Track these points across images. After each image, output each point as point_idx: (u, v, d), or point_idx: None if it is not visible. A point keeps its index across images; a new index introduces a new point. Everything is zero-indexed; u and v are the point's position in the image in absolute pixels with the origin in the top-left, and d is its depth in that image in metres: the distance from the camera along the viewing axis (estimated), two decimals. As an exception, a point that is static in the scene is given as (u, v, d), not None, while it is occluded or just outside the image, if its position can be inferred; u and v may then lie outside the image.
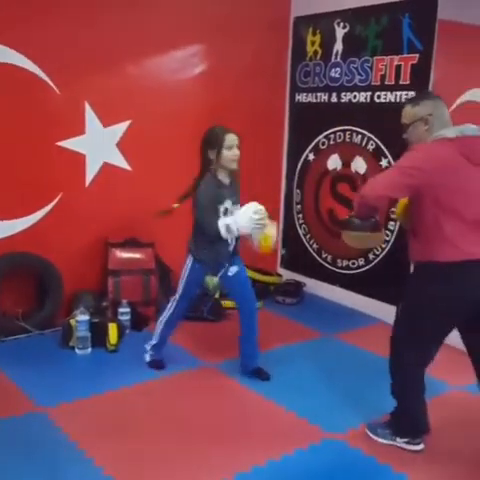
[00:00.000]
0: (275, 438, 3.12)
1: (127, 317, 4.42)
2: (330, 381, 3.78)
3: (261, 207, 3.36)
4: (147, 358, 3.88)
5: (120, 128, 4.72)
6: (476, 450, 3.05)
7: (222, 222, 3.34)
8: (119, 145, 4.74)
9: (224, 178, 3.49)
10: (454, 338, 4.11)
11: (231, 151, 3.38)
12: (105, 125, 4.65)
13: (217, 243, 3.48)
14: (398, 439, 3.03)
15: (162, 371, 3.80)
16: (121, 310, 4.42)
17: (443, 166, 2.68)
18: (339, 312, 5.11)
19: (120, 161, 4.78)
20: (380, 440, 3.07)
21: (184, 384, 3.68)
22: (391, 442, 3.05)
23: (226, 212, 3.46)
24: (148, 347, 3.88)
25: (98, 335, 4.10)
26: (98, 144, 4.65)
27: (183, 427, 3.19)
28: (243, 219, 3.31)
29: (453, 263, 2.71)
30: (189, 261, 3.65)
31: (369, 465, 2.91)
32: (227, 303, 4.89)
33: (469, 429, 3.22)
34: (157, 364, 3.84)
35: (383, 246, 4.84)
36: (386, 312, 4.80)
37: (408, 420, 3.03)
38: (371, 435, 3.11)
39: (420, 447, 3.01)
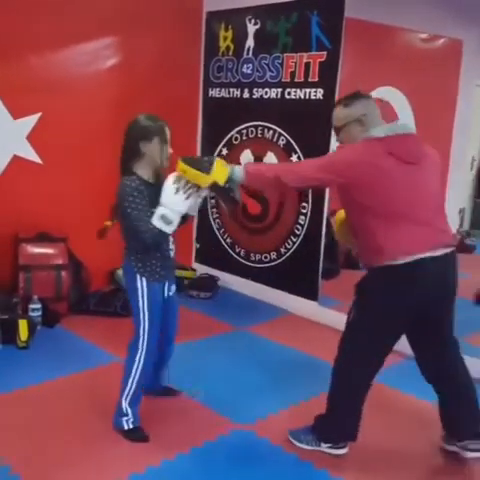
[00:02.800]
0: (185, 431, 3.16)
1: (38, 313, 4.36)
2: (241, 373, 3.85)
3: (176, 174, 2.79)
4: (125, 425, 3.06)
5: (31, 120, 4.62)
6: (391, 445, 3.16)
7: (155, 216, 2.77)
8: (30, 138, 4.65)
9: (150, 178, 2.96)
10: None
11: (168, 148, 2.94)
12: (15, 117, 4.55)
13: (162, 248, 2.95)
14: (322, 444, 2.98)
15: (73, 368, 3.75)
16: (32, 306, 4.35)
17: (371, 169, 2.64)
18: (252, 305, 5.20)
19: (31, 154, 4.68)
20: (304, 446, 3.01)
21: (95, 380, 3.66)
22: (315, 448, 3.00)
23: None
24: (124, 410, 3.05)
25: (8, 332, 4.02)
26: (8, 136, 4.55)
27: (93, 424, 3.18)
28: (169, 196, 2.76)
29: (397, 266, 2.66)
30: (139, 284, 2.92)
31: (276, 454, 2.99)
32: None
33: (384, 418, 3.35)
34: (139, 435, 3.05)
35: (294, 240, 4.95)
36: (297, 304, 4.95)
37: (337, 428, 2.98)
38: (294, 442, 3.04)
39: (344, 451, 2.98)
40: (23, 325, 4.05)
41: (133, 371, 3.01)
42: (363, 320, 2.83)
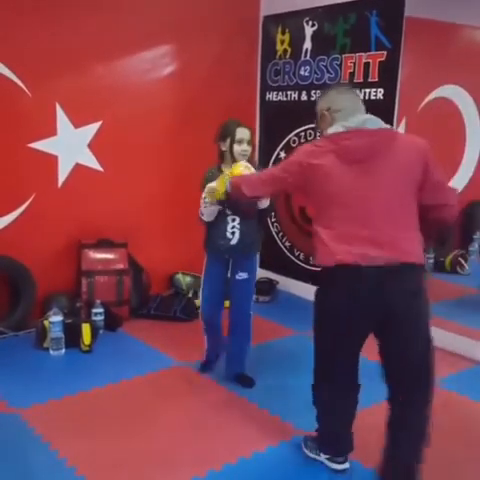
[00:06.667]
0: (247, 435, 3.14)
1: (101, 317, 4.43)
2: (303, 378, 3.78)
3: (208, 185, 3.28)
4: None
5: (91, 129, 4.71)
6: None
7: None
8: (91, 146, 4.74)
9: None
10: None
11: (240, 146, 3.33)
12: (76, 126, 4.64)
13: (214, 229, 3.45)
14: (321, 454, 2.91)
15: (135, 371, 3.81)
16: (95, 310, 4.43)
17: (302, 169, 2.56)
18: (312, 309, 5.13)
19: (92, 162, 4.77)
20: (308, 453, 2.96)
21: (157, 384, 3.70)
22: (316, 456, 2.93)
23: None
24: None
25: (72, 336, 4.11)
26: (70, 145, 4.65)
27: (155, 426, 3.21)
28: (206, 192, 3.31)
29: (332, 267, 2.53)
30: (206, 256, 3.59)
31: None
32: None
33: (450, 425, 3.26)
34: (203, 365, 3.84)
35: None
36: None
37: (327, 438, 2.89)
38: (302, 446, 3.00)
39: (342, 466, 2.85)
40: (86, 329, 4.13)
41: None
42: (314, 323, 2.89)
